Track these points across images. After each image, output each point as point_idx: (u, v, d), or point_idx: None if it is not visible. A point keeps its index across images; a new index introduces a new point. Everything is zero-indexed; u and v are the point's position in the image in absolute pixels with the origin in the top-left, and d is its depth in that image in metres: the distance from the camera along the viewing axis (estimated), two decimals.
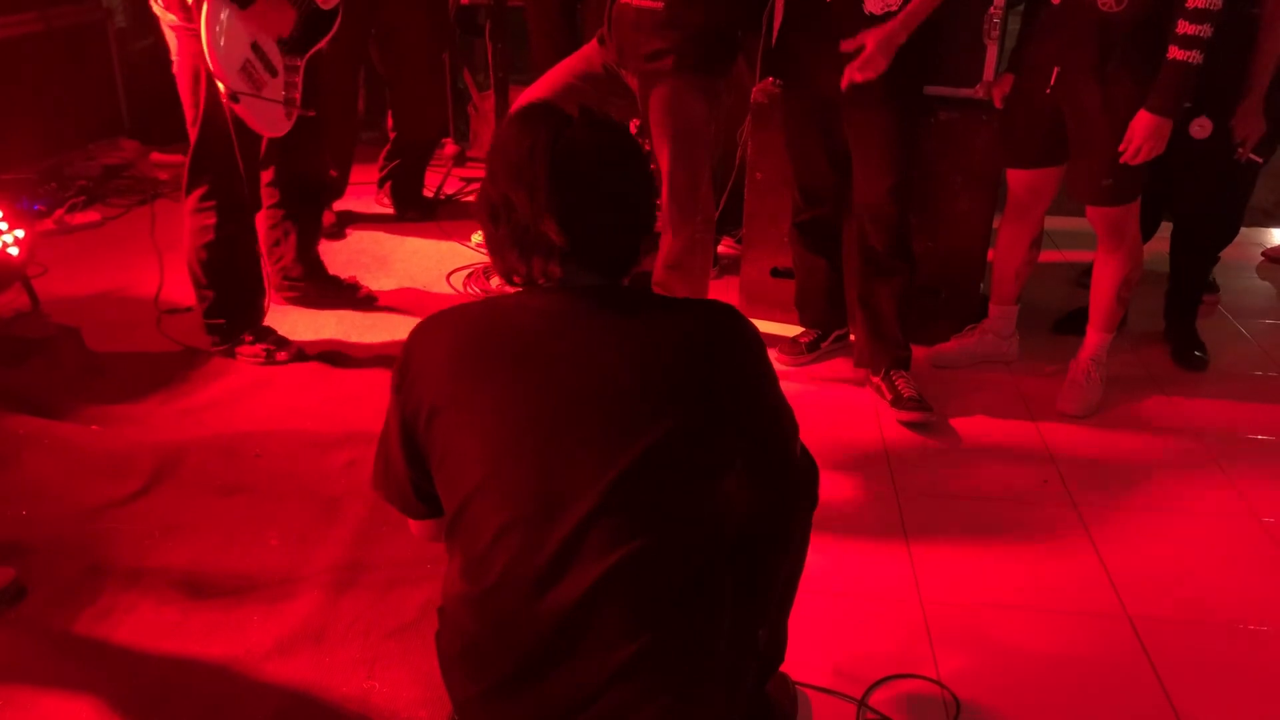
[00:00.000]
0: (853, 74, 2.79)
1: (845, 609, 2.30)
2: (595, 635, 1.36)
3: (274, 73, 2.88)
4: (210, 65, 2.71)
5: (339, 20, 3.07)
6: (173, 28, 2.82)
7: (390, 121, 4.36)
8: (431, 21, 4.11)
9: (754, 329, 1.51)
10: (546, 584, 1.37)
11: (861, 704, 2.03)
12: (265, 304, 3.18)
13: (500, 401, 1.39)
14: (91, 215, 4.23)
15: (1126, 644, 2.23)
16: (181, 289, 3.24)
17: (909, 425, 3.01)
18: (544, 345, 1.41)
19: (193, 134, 2.91)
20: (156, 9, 2.83)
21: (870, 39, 2.76)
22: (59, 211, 4.17)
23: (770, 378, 1.53)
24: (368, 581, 2.28)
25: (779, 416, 1.55)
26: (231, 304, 3.09)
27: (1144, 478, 2.84)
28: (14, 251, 3.23)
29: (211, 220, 2.97)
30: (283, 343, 3.18)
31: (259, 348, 3.14)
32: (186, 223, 3.01)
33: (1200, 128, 3.21)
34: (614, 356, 1.40)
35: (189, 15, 2.73)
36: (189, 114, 2.90)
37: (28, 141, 4.33)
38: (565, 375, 1.39)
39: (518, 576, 1.38)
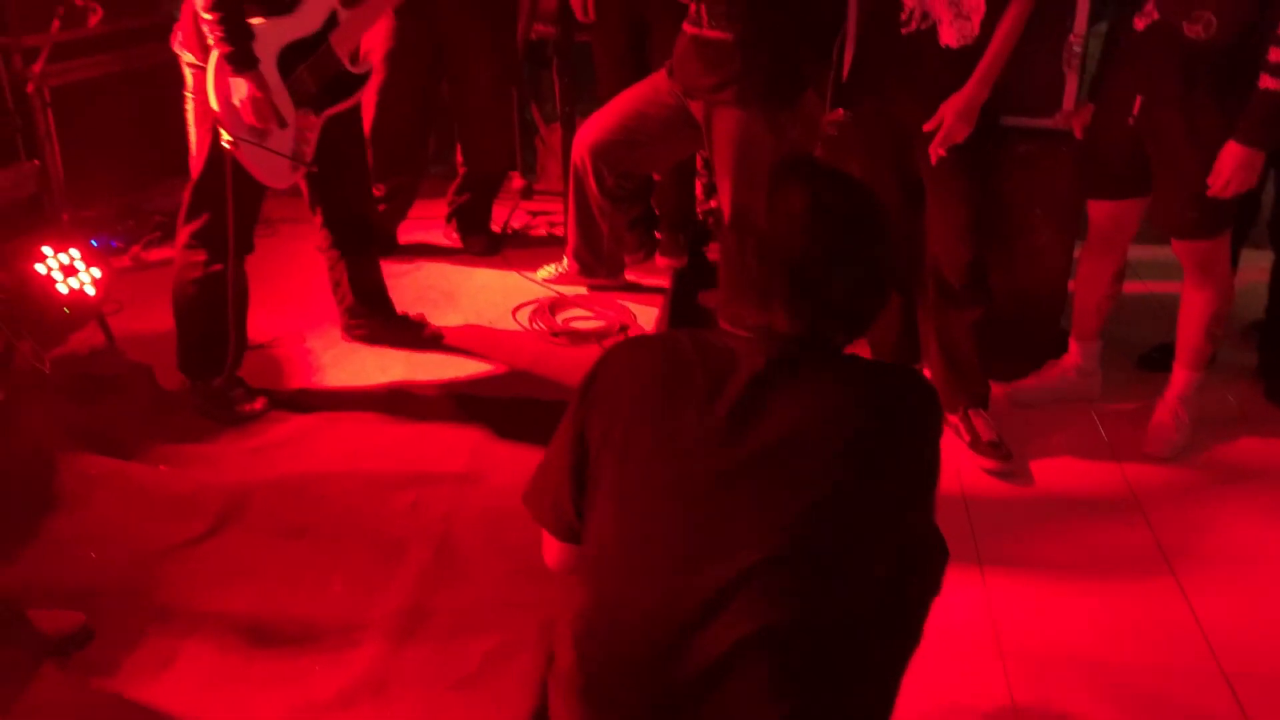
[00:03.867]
0: (937, 150, 2.74)
1: (920, 660, 2.21)
2: (733, 696, 1.31)
3: (283, 124, 2.83)
4: (215, 107, 2.71)
5: (363, 88, 3.01)
6: (189, 65, 2.84)
7: (460, 156, 4.37)
8: (499, 56, 4.12)
9: (939, 416, 1.51)
10: (688, 634, 1.32)
11: None
12: (234, 353, 3.08)
13: (677, 439, 1.37)
14: (167, 252, 4.27)
15: (1222, 703, 2.12)
16: (255, 325, 3.25)
17: (988, 473, 2.92)
18: (735, 393, 1.37)
19: (194, 170, 2.90)
20: (176, 47, 2.85)
21: (949, 111, 2.70)
22: (135, 248, 4.24)
23: (935, 476, 1.49)
24: (430, 629, 2.25)
25: (928, 522, 1.51)
26: (207, 343, 3.05)
27: (1237, 524, 2.71)
28: (90, 291, 3.28)
29: (201, 258, 2.96)
30: (252, 394, 3.12)
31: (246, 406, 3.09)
32: (176, 257, 3.02)
33: None
34: (800, 416, 1.37)
35: (206, 55, 2.74)
36: (193, 151, 2.90)
37: (107, 178, 4.41)
38: (750, 427, 1.36)
39: (657, 622, 1.34)
